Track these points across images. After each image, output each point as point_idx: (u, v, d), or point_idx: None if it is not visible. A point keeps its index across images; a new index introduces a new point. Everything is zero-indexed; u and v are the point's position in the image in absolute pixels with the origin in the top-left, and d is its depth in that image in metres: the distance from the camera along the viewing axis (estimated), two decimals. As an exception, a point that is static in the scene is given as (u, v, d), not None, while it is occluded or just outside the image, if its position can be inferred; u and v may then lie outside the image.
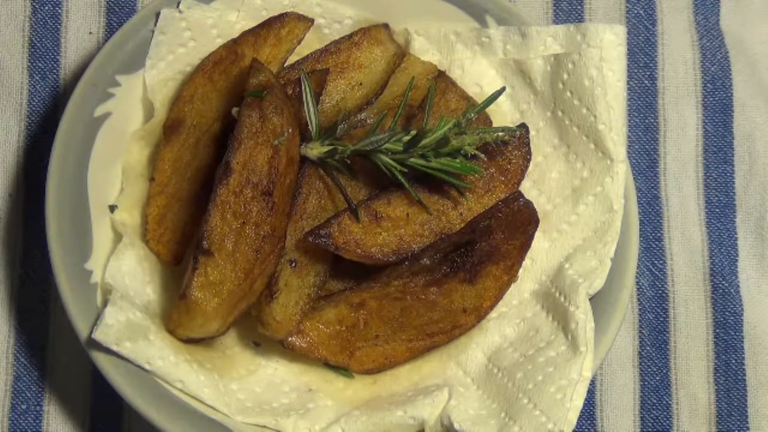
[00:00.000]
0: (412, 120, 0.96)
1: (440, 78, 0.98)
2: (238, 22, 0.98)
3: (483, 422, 0.91)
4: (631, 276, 0.95)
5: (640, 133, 1.09)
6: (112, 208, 0.96)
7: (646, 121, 1.10)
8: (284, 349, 0.93)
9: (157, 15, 0.96)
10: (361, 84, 0.97)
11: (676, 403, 1.05)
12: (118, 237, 0.95)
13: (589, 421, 1.05)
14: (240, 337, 0.96)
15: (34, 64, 1.07)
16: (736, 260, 1.08)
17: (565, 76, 0.96)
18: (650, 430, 1.05)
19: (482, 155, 0.93)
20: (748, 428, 1.05)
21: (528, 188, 0.98)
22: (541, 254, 0.97)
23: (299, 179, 0.93)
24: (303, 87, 0.92)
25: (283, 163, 0.90)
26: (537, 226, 0.95)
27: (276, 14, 0.97)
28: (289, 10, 0.97)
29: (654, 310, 1.07)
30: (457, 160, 0.92)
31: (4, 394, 1.02)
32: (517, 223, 0.94)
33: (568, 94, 0.97)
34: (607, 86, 0.95)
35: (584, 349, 0.91)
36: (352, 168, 0.94)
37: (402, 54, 0.99)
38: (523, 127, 0.96)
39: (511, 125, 0.97)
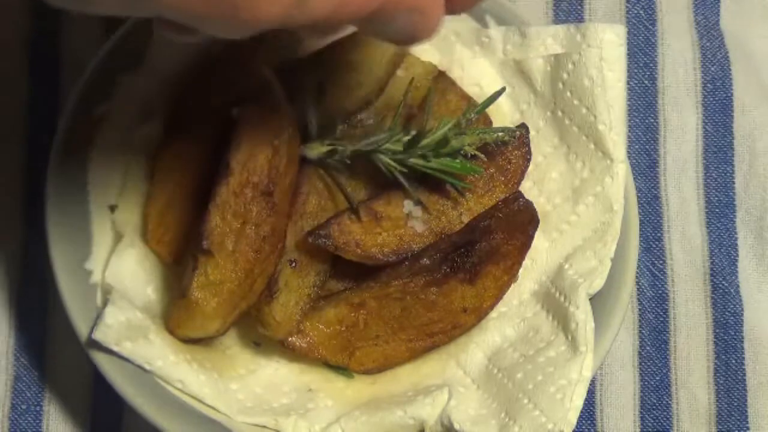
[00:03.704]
0: (412, 120, 0.96)
1: (440, 78, 0.98)
2: (238, 22, 0.98)
3: (483, 422, 0.91)
4: (631, 276, 0.95)
5: (640, 133, 1.09)
6: (112, 208, 0.96)
7: (646, 121, 1.10)
8: (284, 349, 0.93)
9: (158, 15, 0.96)
10: (361, 84, 0.97)
11: (676, 403, 1.05)
12: (118, 237, 0.95)
13: (589, 421, 1.05)
14: (240, 337, 0.96)
15: (34, 63, 1.07)
16: (736, 260, 1.08)
17: (565, 76, 0.96)
18: (650, 430, 1.05)
19: (482, 155, 0.93)
20: (748, 428, 1.05)
21: (528, 188, 0.98)
22: (541, 254, 0.97)
23: (299, 179, 0.93)
24: (303, 87, 0.92)
25: (283, 163, 0.90)
26: (537, 226, 0.95)
27: (276, 14, 0.97)
28: (289, 10, 0.97)
29: (654, 310, 1.07)
30: (457, 161, 0.92)
31: (4, 394, 1.02)
32: (517, 223, 0.94)
33: (568, 94, 0.97)
34: (607, 86, 0.95)
35: (584, 349, 0.91)
36: (352, 168, 0.94)
37: (402, 54, 0.99)
38: (523, 127, 0.96)
39: (511, 125, 0.97)
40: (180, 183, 0.95)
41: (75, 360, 1.02)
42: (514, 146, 0.96)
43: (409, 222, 0.93)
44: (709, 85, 1.10)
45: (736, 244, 1.08)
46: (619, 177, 0.96)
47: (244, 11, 0.61)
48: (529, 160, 0.96)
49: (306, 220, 0.93)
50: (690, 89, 1.10)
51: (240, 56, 0.95)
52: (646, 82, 1.10)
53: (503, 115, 0.99)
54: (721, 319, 1.07)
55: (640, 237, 0.98)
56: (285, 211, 0.91)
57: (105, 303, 0.91)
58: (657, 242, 1.08)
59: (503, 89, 0.96)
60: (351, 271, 0.95)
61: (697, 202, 1.08)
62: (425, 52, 1.00)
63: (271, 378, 0.95)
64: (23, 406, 1.02)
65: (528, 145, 0.96)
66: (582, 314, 0.92)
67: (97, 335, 0.88)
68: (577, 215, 0.97)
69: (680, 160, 1.09)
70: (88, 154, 0.95)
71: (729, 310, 1.07)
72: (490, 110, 0.97)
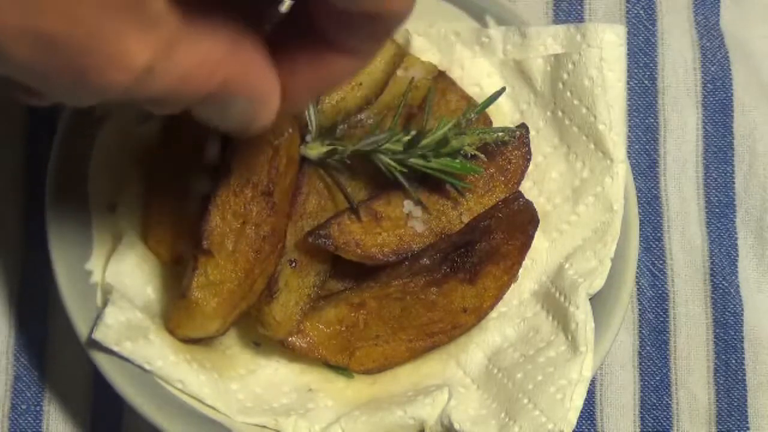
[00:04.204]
0: (412, 120, 0.96)
1: (440, 78, 0.98)
2: (238, 22, 0.98)
3: (483, 422, 0.91)
4: (631, 276, 0.95)
5: (640, 133, 1.09)
6: (112, 208, 0.96)
7: (646, 121, 1.10)
8: (284, 349, 0.93)
9: (157, 15, 0.96)
10: (361, 84, 0.97)
11: (676, 403, 1.05)
12: (118, 237, 0.95)
13: (589, 421, 1.05)
14: (240, 337, 0.96)
15: (34, 64, 1.07)
16: (736, 260, 1.08)
17: (565, 76, 0.96)
18: (650, 430, 1.05)
19: (482, 155, 0.93)
20: (748, 428, 1.05)
21: (528, 188, 0.98)
22: (541, 254, 0.97)
23: (299, 179, 0.93)
24: (303, 87, 0.92)
25: (283, 163, 0.90)
26: (537, 226, 0.95)
27: (276, 14, 0.97)
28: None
29: (654, 310, 1.07)
30: (457, 161, 0.92)
31: (4, 394, 1.02)
32: (517, 223, 0.94)
33: (568, 94, 0.97)
34: (607, 86, 0.95)
35: (584, 350, 0.91)
36: (352, 168, 0.94)
37: (402, 54, 0.99)
38: (523, 127, 0.96)
39: (511, 125, 0.97)
40: (180, 183, 0.95)
41: (75, 360, 1.02)
42: (514, 146, 0.96)
43: (409, 222, 0.93)
44: (709, 85, 1.10)
45: (736, 244, 1.08)
46: (619, 177, 0.96)
47: (93, 74, 0.60)
48: (529, 160, 0.96)
49: (306, 220, 0.93)
50: (690, 89, 1.10)
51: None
52: (646, 82, 1.10)
53: (503, 115, 0.99)
54: (721, 319, 1.07)
55: (640, 237, 0.98)
56: (285, 211, 0.91)
57: (105, 303, 0.90)
58: (657, 242, 1.08)
59: (503, 89, 0.96)
60: (351, 271, 0.95)
61: (697, 202, 1.08)
62: (425, 52, 1.00)
63: (271, 378, 0.95)
64: (23, 406, 1.02)
65: (528, 145, 0.96)
66: (582, 314, 0.92)
67: (97, 335, 0.88)
68: (577, 215, 0.97)
69: (680, 160, 1.09)
70: (88, 154, 0.95)
71: (729, 310, 1.07)
72: (490, 110, 0.97)
